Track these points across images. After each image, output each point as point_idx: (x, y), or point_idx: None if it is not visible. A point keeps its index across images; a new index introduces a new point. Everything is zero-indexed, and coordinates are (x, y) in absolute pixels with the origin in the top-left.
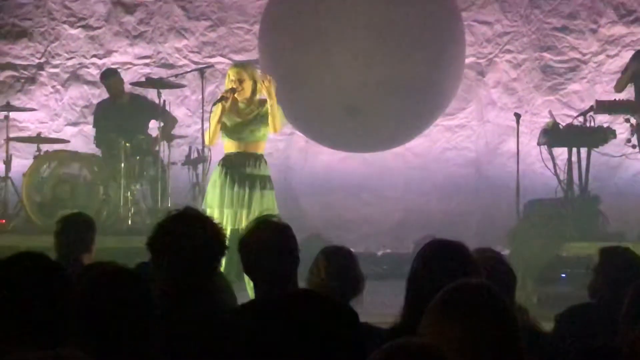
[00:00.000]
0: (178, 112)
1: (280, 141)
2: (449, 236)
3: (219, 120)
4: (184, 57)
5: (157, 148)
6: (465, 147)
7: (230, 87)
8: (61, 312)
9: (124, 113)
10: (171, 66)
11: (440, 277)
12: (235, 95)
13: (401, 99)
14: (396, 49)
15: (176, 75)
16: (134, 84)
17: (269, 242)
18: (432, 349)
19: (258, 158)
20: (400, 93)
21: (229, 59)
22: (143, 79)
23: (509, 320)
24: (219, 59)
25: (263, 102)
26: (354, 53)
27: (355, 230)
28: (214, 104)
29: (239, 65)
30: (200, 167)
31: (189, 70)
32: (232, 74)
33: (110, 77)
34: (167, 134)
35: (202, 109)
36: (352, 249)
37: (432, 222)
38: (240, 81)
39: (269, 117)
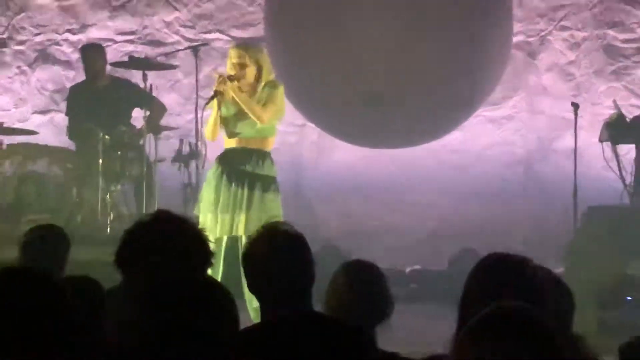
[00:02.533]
0: (167, 98)
1: (289, 134)
2: (491, 250)
3: (217, 118)
4: (175, 33)
5: (141, 142)
6: (512, 142)
7: (229, 72)
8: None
9: (103, 99)
10: (159, 43)
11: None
12: (236, 82)
13: (434, 86)
14: (428, 27)
15: (165, 55)
16: (114, 64)
17: (279, 254)
18: None
19: (262, 156)
20: (432, 79)
21: (229, 35)
22: (125, 59)
23: (553, 350)
24: (216, 35)
25: (268, 84)
26: (378, 33)
27: (379, 241)
28: (207, 104)
29: (241, 47)
30: (193, 164)
31: (180, 48)
32: (233, 56)
33: (92, 53)
34: (154, 125)
35: (197, 95)
36: (376, 264)
37: (471, 232)
38: (242, 66)
39: (244, 107)
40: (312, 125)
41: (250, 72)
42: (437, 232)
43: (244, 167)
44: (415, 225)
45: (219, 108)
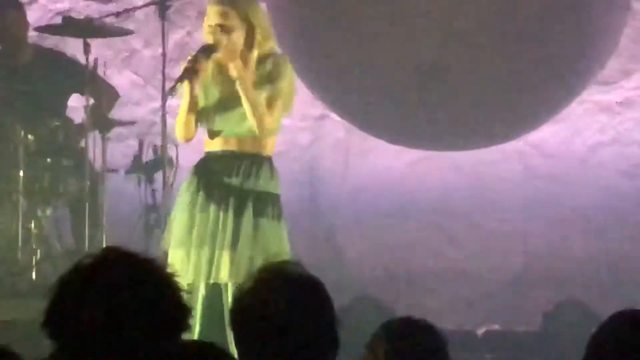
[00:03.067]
0: (120, 79)
1: (301, 131)
2: (607, 302)
3: (191, 107)
4: None
5: (82, 143)
6: (635, 139)
7: (207, 40)
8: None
9: (23, 81)
10: None
11: None
12: (218, 56)
13: (516, 57)
14: None
15: (117, 14)
16: (41, 29)
17: (286, 311)
18: None
19: (258, 163)
20: (514, 48)
21: None
22: (58, 21)
23: None
24: None
25: (267, 60)
26: None
27: (437, 289)
28: (172, 88)
29: (225, 1)
30: (159, 177)
31: (139, 5)
32: (212, 14)
33: (5, 13)
34: (102, 119)
35: (163, 74)
36: (433, 323)
37: (574, 275)
38: (226, 29)
39: (247, 107)
40: (335, 116)
41: (238, 37)
42: (524, 274)
43: (230, 181)
44: (491, 264)
45: (193, 95)
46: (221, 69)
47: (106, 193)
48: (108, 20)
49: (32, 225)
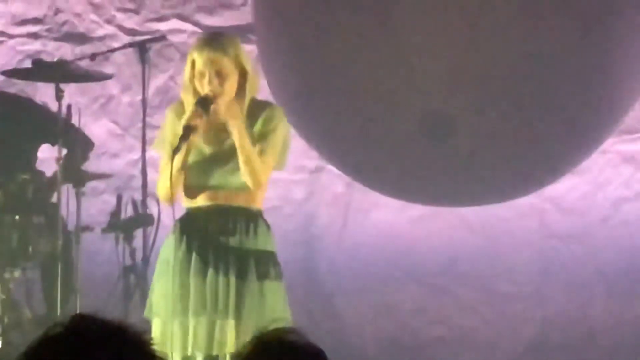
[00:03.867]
0: (96, 128)
1: (296, 185)
2: None
3: (184, 165)
4: (108, 22)
5: (54, 198)
6: None
7: (197, 85)
8: None
9: None
10: (83, 38)
11: None
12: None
13: (530, 105)
14: (524, 19)
15: (92, 57)
16: (8, 73)
17: None
18: None
19: (252, 218)
20: (527, 95)
21: (196, 24)
22: (28, 64)
23: None
24: (175, 23)
25: (260, 109)
26: (443, 31)
27: (445, 358)
28: (176, 150)
29: (215, 44)
30: (138, 235)
31: (117, 47)
32: (202, 63)
33: None
34: (75, 171)
35: (144, 122)
36: None
37: (596, 342)
38: (220, 76)
39: (243, 159)
40: (333, 169)
41: (232, 83)
42: (541, 342)
43: (223, 238)
44: (505, 331)
45: (188, 153)
46: (212, 118)
47: (80, 253)
48: (83, 63)
49: None
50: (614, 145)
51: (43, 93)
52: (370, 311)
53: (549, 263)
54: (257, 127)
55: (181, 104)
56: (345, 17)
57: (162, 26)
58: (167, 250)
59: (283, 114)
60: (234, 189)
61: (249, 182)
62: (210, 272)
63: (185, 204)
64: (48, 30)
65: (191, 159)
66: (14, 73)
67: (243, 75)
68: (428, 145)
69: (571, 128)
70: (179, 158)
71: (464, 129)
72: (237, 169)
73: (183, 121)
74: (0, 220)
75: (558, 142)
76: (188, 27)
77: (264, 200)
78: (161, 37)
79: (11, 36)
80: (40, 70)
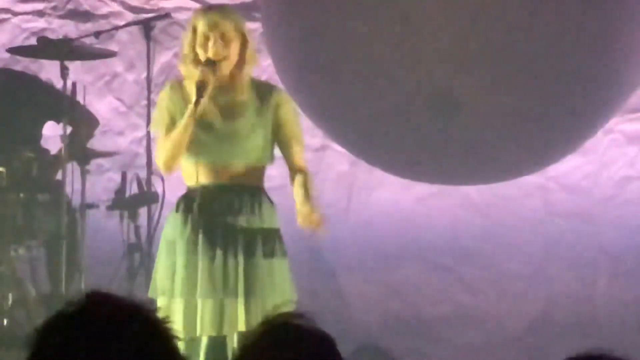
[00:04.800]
0: (100, 106)
1: None
2: (634, 349)
3: (187, 131)
4: None
5: (59, 176)
6: None
7: (199, 51)
8: None
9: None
10: (87, 16)
11: None
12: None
13: (534, 85)
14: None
15: (97, 34)
16: (14, 50)
17: None
18: None
19: (256, 196)
20: (532, 74)
21: (200, 1)
22: (33, 42)
23: None
24: (179, 1)
25: (268, 92)
26: (448, 10)
27: (448, 336)
28: (195, 102)
29: (218, 10)
30: (143, 212)
31: (121, 24)
32: (205, 27)
33: None
34: (80, 149)
35: (148, 100)
36: None
37: (601, 320)
38: (224, 39)
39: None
40: (338, 147)
41: (234, 48)
42: (544, 320)
43: (231, 217)
44: (508, 309)
45: (195, 116)
46: (220, 88)
47: (85, 231)
48: (87, 41)
49: (4, 266)
50: (618, 125)
51: (48, 71)
52: (374, 290)
53: (553, 242)
54: (276, 114)
55: (177, 82)
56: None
57: (167, 4)
58: (172, 229)
59: (287, 96)
60: (237, 166)
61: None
62: (219, 252)
63: (187, 181)
64: (53, 7)
65: (196, 134)
66: (19, 50)
67: (244, 43)
68: (433, 123)
69: (575, 107)
70: (183, 123)
71: (468, 108)
72: (242, 143)
73: (194, 81)
74: (4, 198)
75: (562, 121)
76: (192, 4)
77: (268, 178)
78: (166, 15)
79: (16, 13)
80: (45, 47)
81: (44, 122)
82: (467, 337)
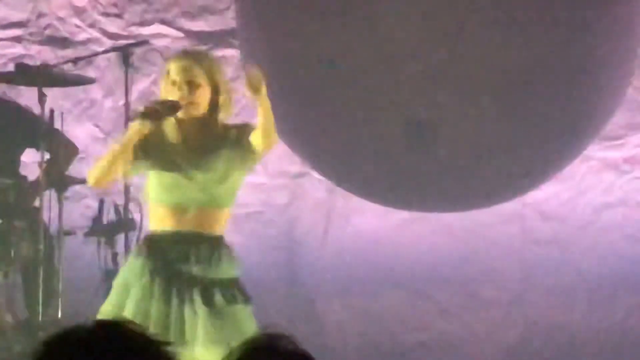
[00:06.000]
0: (79, 132)
1: (279, 189)
2: None
3: (126, 150)
4: (91, 26)
5: (36, 203)
6: None
7: (169, 96)
8: None
9: None
10: (65, 42)
11: None
12: (179, 114)
13: (513, 112)
14: (507, 27)
15: (75, 61)
16: None
17: None
18: None
19: (215, 245)
20: (510, 101)
21: (179, 28)
22: (10, 68)
23: None
24: (157, 27)
25: (231, 126)
26: (427, 37)
27: None
28: (134, 116)
29: (189, 57)
30: (121, 240)
31: (100, 51)
32: (174, 72)
33: None
34: (58, 176)
35: (126, 126)
36: None
37: (578, 346)
38: (191, 86)
39: (261, 130)
40: (316, 174)
41: (204, 94)
42: (522, 347)
43: (186, 266)
44: (486, 336)
45: (142, 135)
46: (183, 130)
47: (62, 257)
48: (65, 67)
49: None
50: (595, 152)
51: (26, 97)
52: (351, 316)
53: (531, 269)
54: (243, 132)
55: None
56: (328, 21)
57: (145, 31)
58: (129, 273)
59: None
60: (203, 211)
61: (264, 143)
62: (175, 301)
63: (151, 225)
64: (31, 34)
65: (161, 171)
66: None
67: (215, 91)
68: (411, 151)
69: (553, 135)
70: (129, 137)
71: (446, 136)
72: (209, 187)
73: (146, 107)
74: None
75: (540, 149)
76: (171, 31)
77: (245, 205)
78: (144, 42)
79: None
80: (23, 74)
81: (23, 149)
82: None
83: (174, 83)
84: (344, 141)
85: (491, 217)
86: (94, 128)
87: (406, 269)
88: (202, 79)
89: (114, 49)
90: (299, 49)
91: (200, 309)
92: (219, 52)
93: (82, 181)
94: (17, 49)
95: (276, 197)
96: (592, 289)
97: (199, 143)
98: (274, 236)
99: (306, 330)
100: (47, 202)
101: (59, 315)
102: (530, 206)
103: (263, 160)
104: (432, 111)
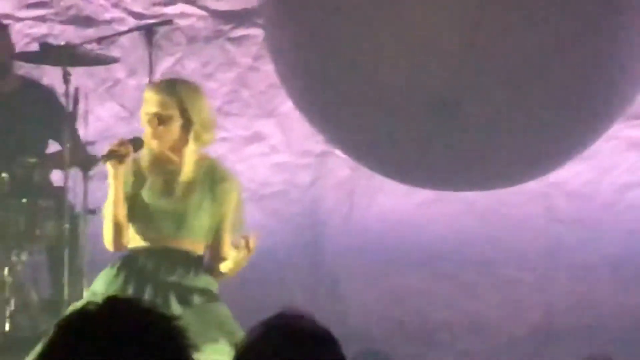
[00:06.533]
0: (103, 111)
1: (302, 169)
2: (634, 356)
3: (119, 212)
4: (115, 5)
5: (61, 182)
6: None
7: (145, 123)
8: None
9: (6, 112)
10: (89, 22)
11: None
12: (149, 147)
13: (536, 90)
14: (531, 2)
15: (99, 40)
16: (16, 56)
17: None
18: None
19: (192, 262)
20: (533, 79)
21: (202, 7)
22: (34, 48)
23: None
24: (181, 7)
25: (204, 162)
26: (450, 13)
27: (449, 342)
28: (97, 161)
29: (162, 88)
30: None
31: (123, 30)
32: (148, 104)
33: None
34: (83, 155)
35: None
36: None
37: (601, 327)
38: (161, 119)
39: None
40: (339, 153)
41: (175, 128)
42: (545, 327)
43: (164, 277)
44: (509, 315)
45: (118, 187)
46: (159, 162)
47: (87, 236)
48: (89, 46)
49: (6, 272)
50: (619, 131)
51: (50, 76)
52: (375, 296)
53: (554, 248)
54: (220, 202)
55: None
56: (353, 1)
57: (169, 10)
58: (101, 282)
59: (235, 180)
60: (175, 238)
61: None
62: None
63: (130, 243)
64: (55, 13)
65: (140, 210)
66: (22, 56)
67: (186, 124)
68: (434, 129)
69: (577, 113)
70: (110, 196)
71: (469, 114)
72: (179, 222)
73: (110, 146)
74: (7, 203)
75: (564, 128)
76: (195, 11)
77: (268, 185)
78: (168, 21)
79: (18, 19)
80: (48, 53)
81: (49, 133)
82: (468, 343)
83: (146, 115)
84: (368, 120)
85: (515, 197)
86: (117, 107)
87: (430, 248)
88: (174, 112)
89: (137, 28)
90: (323, 28)
91: (177, 309)
92: (242, 31)
93: None
94: (42, 29)
95: (300, 176)
96: (616, 267)
97: (170, 176)
98: (297, 215)
99: (330, 310)
100: (72, 181)
101: (84, 295)
102: (554, 185)
103: (286, 139)
104: (456, 90)
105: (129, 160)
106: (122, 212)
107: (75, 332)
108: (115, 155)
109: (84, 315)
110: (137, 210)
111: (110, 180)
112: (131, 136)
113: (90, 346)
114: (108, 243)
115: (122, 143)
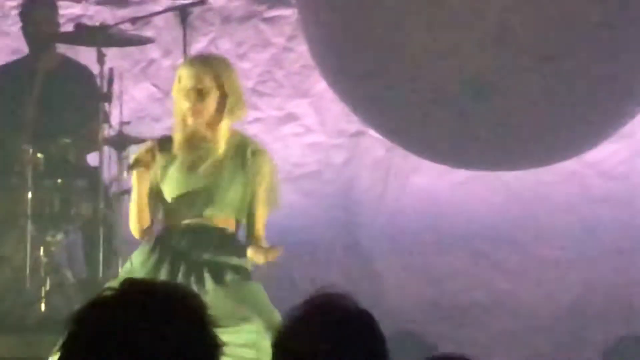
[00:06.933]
0: (137, 92)
1: (336, 149)
2: None
3: (142, 202)
4: None
5: (96, 162)
6: None
7: (180, 101)
8: None
9: (48, 91)
10: (123, 3)
11: None
12: (184, 126)
13: (571, 70)
14: None
15: (133, 21)
16: (53, 37)
17: (340, 346)
18: None
19: (225, 239)
20: (569, 60)
21: None
22: (69, 28)
23: None
24: None
25: (236, 137)
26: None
27: (484, 322)
28: (129, 166)
29: (198, 63)
30: None
31: (158, 11)
32: (184, 80)
33: (40, 13)
34: (117, 135)
35: None
36: None
37: (638, 306)
38: (201, 93)
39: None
40: (374, 133)
41: (212, 102)
42: (581, 306)
43: (197, 254)
44: (545, 295)
45: (141, 189)
46: (192, 140)
47: (122, 216)
48: (123, 27)
49: (41, 252)
50: None
51: (84, 57)
52: (409, 275)
53: (590, 228)
54: (254, 175)
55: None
56: None
57: None
58: (135, 259)
59: (270, 159)
60: (211, 214)
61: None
62: (182, 281)
63: (164, 221)
64: None
65: (167, 179)
66: (57, 37)
67: (222, 97)
68: (469, 109)
69: (612, 93)
70: (137, 197)
71: (505, 96)
72: (215, 196)
73: (136, 154)
74: (42, 184)
75: (598, 107)
76: None
77: (301, 166)
78: (202, 1)
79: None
80: (82, 34)
81: (86, 109)
82: (503, 323)
83: (183, 90)
84: (403, 100)
85: (550, 176)
86: (152, 87)
87: (465, 228)
88: (210, 86)
89: (172, 8)
90: (359, 9)
91: (210, 287)
92: (276, 12)
93: (142, 141)
94: (76, 9)
95: (334, 156)
96: None
97: (203, 151)
98: (332, 195)
99: (365, 290)
100: (107, 162)
101: (119, 273)
102: (589, 165)
103: (320, 119)
104: (491, 71)
105: (154, 165)
106: (146, 210)
107: (90, 319)
108: (142, 164)
109: (100, 302)
110: (168, 188)
111: (134, 182)
112: (165, 116)
113: (108, 333)
114: (134, 231)
115: (148, 150)
